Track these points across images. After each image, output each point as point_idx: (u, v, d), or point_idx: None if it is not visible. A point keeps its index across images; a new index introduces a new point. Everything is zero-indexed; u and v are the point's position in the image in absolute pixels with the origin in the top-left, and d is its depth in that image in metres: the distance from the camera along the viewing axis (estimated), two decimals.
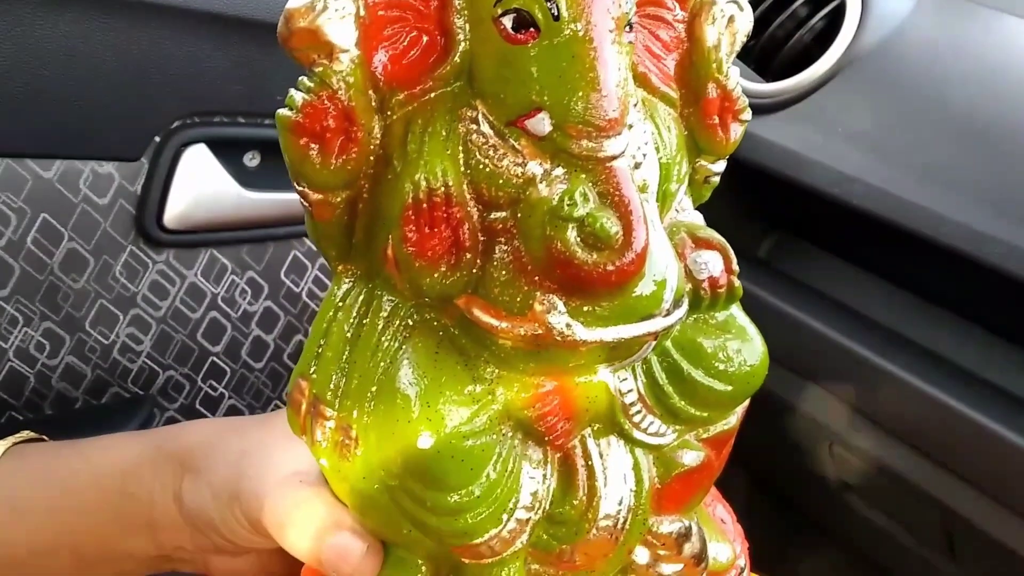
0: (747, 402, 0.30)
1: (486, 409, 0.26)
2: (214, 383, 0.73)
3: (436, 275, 0.25)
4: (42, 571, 0.40)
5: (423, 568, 0.29)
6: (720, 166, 0.31)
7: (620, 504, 0.28)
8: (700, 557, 0.31)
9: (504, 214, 0.25)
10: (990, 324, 0.64)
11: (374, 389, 0.26)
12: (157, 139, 0.62)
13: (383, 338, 0.26)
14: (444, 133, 0.25)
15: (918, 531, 0.70)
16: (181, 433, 0.40)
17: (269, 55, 0.62)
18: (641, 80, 0.28)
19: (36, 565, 0.40)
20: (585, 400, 0.27)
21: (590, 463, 0.28)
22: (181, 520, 0.38)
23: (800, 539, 0.91)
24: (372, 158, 0.25)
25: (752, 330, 0.30)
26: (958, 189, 0.59)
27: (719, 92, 0.29)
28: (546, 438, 0.27)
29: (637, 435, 0.28)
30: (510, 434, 0.27)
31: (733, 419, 0.31)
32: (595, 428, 0.28)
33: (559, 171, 0.24)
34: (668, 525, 0.30)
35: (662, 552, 0.30)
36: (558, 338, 0.24)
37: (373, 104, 0.25)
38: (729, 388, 0.29)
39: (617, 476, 0.28)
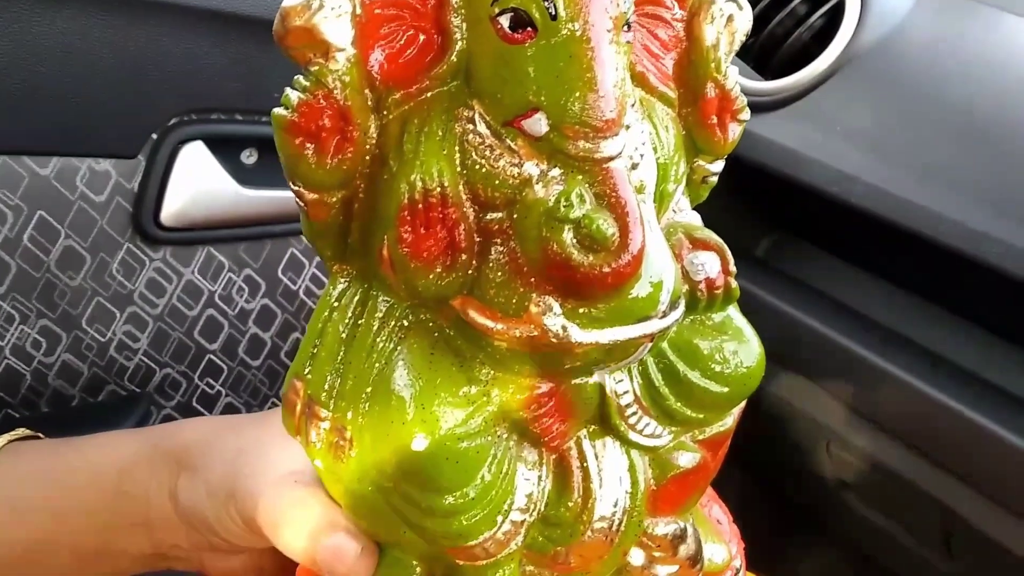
0: (743, 403, 0.30)
1: (481, 411, 0.26)
2: (211, 381, 0.73)
3: (432, 276, 0.25)
4: (38, 569, 0.40)
5: (418, 569, 0.29)
6: (718, 166, 0.31)
7: (615, 506, 0.28)
8: (695, 559, 0.31)
9: (500, 215, 0.25)
10: (988, 323, 0.64)
11: (369, 390, 0.26)
12: (154, 136, 0.61)
13: (378, 339, 0.26)
14: (440, 133, 0.25)
15: (916, 530, 0.70)
16: (178, 431, 0.40)
17: (267, 52, 0.61)
18: (639, 79, 0.28)
19: (32, 563, 0.40)
20: (581, 402, 0.27)
21: (585, 465, 0.28)
22: (176, 518, 0.38)
23: (797, 538, 0.91)
24: (368, 158, 0.25)
25: (749, 331, 0.29)
26: (957, 188, 0.59)
27: (717, 92, 0.29)
28: (541, 440, 0.27)
29: (633, 437, 0.28)
30: (505, 436, 0.26)
31: (729, 420, 0.30)
32: (591, 430, 0.28)
33: (556, 172, 0.24)
34: (663, 527, 0.30)
35: (657, 554, 0.30)
36: (554, 340, 0.24)
37: (369, 103, 0.25)
38: (725, 390, 0.28)
39: (612, 478, 0.28)
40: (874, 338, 0.66)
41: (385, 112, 0.25)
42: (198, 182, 0.64)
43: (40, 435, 0.44)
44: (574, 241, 0.23)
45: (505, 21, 0.23)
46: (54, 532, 0.39)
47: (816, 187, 0.66)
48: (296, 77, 0.24)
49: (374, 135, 0.25)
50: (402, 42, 0.25)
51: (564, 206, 0.23)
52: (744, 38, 0.29)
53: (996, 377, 0.61)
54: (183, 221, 0.64)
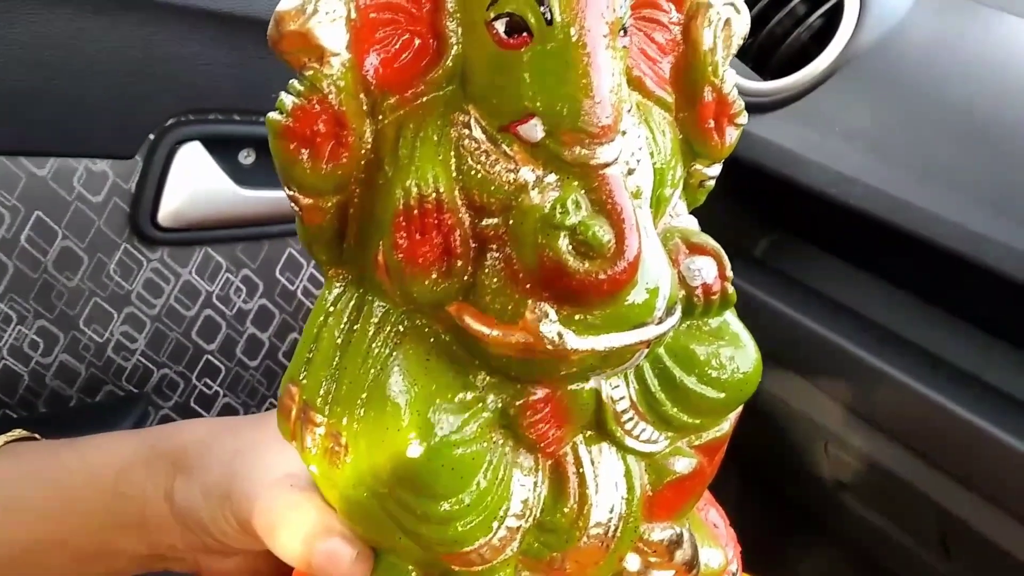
0: (740, 408, 0.30)
1: (476, 417, 0.26)
2: (209, 381, 0.73)
3: (427, 282, 0.25)
4: (35, 569, 0.40)
5: (413, 574, 0.29)
6: (715, 170, 0.31)
7: (611, 512, 0.28)
8: (691, 564, 0.31)
9: (496, 220, 0.25)
10: (987, 325, 0.64)
11: (364, 396, 0.26)
12: (151, 136, 0.61)
13: (374, 344, 0.26)
14: (436, 138, 0.25)
15: (913, 530, 0.70)
16: (174, 433, 0.40)
17: (265, 52, 0.61)
18: (636, 84, 0.28)
19: (29, 563, 0.40)
20: (576, 407, 0.27)
21: (581, 470, 0.28)
22: (172, 520, 0.38)
23: (795, 538, 0.91)
24: (363, 163, 0.25)
25: (746, 337, 0.29)
26: (956, 189, 0.59)
27: (715, 96, 0.29)
28: (537, 446, 0.27)
29: (629, 442, 0.28)
30: (501, 441, 0.26)
31: (726, 426, 0.30)
32: (587, 435, 0.28)
33: (552, 178, 0.24)
34: (659, 532, 0.30)
35: (653, 559, 0.30)
36: (549, 347, 0.24)
37: (364, 108, 0.25)
38: (722, 395, 0.28)
39: (608, 483, 0.28)
40: (872, 339, 0.66)
41: (380, 117, 0.25)
42: (195, 182, 0.63)
43: (37, 436, 0.44)
44: (570, 248, 0.23)
45: (501, 26, 0.23)
46: (51, 533, 0.39)
47: (815, 188, 0.65)
48: (291, 82, 0.24)
49: (369, 140, 0.25)
50: (397, 46, 0.25)
51: (560, 212, 0.23)
52: (741, 42, 0.29)
53: (994, 378, 0.61)
54: (180, 221, 0.64)
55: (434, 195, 0.24)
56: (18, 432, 0.44)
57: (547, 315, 0.24)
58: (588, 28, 0.23)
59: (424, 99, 0.25)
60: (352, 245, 0.26)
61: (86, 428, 0.44)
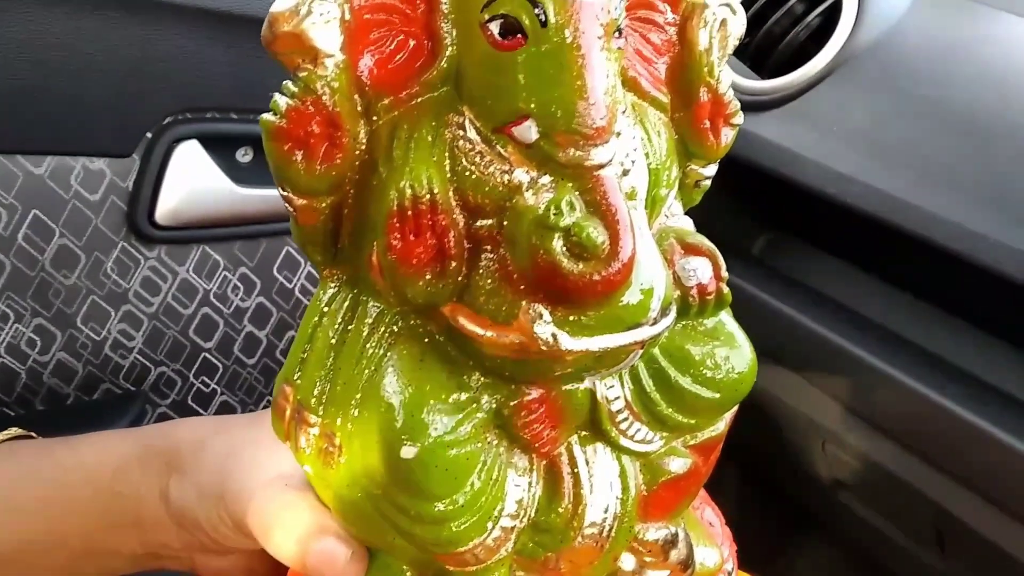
0: (736, 408, 0.30)
1: (471, 418, 0.26)
2: (206, 379, 0.73)
3: (421, 283, 0.25)
4: (31, 568, 0.40)
5: (408, 574, 0.29)
6: (711, 170, 0.31)
7: (606, 512, 0.28)
8: (687, 563, 0.31)
9: (490, 222, 0.25)
10: (984, 324, 0.64)
11: (358, 396, 0.26)
12: (149, 135, 0.61)
13: (368, 345, 0.26)
14: (430, 139, 0.25)
15: (910, 529, 0.70)
16: (170, 431, 0.40)
17: (262, 51, 0.61)
18: (631, 84, 0.28)
19: (25, 562, 0.40)
20: (571, 408, 0.27)
21: (576, 470, 0.28)
22: (168, 519, 0.38)
23: (793, 536, 0.92)
24: (357, 164, 0.25)
25: (741, 337, 0.29)
26: (955, 188, 0.59)
27: (710, 96, 0.29)
28: (532, 446, 0.27)
29: (624, 442, 0.28)
30: (495, 442, 0.26)
31: (721, 425, 0.30)
32: (582, 435, 0.28)
33: (546, 179, 0.24)
34: (654, 532, 0.30)
35: (648, 559, 0.30)
36: (543, 348, 0.24)
37: (359, 109, 0.25)
38: (717, 395, 0.28)
39: (603, 483, 0.28)
40: (870, 337, 0.66)
41: (375, 118, 0.25)
42: (193, 181, 0.63)
43: (33, 434, 0.44)
44: (564, 249, 0.23)
45: (495, 28, 0.23)
46: (46, 532, 0.39)
47: (813, 186, 0.65)
48: (285, 83, 0.24)
49: (363, 141, 0.25)
50: (392, 47, 0.25)
51: (554, 214, 0.23)
52: (737, 42, 0.29)
53: (992, 377, 0.61)
54: (178, 220, 0.64)
55: (428, 196, 0.24)
56: (14, 431, 0.44)
57: (541, 316, 0.24)
58: (583, 30, 0.23)
59: (419, 100, 0.25)
60: (346, 246, 0.27)
61: (83, 426, 0.44)
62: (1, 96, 0.54)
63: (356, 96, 0.24)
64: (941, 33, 0.66)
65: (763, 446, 0.80)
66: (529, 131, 0.24)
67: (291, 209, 0.26)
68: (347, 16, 0.24)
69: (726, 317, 0.29)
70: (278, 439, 0.29)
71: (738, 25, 0.29)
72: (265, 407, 0.65)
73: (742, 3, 0.29)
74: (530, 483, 0.27)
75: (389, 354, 0.26)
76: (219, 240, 0.68)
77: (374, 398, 0.25)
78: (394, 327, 0.26)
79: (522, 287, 0.24)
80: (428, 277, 0.25)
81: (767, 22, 0.73)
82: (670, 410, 0.28)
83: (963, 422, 0.58)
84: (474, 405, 0.26)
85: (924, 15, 0.68)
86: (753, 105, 0.71)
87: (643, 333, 0.25)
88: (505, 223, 0.24)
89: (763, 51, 0.73)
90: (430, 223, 0.24)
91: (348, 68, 0.24)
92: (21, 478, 0.40)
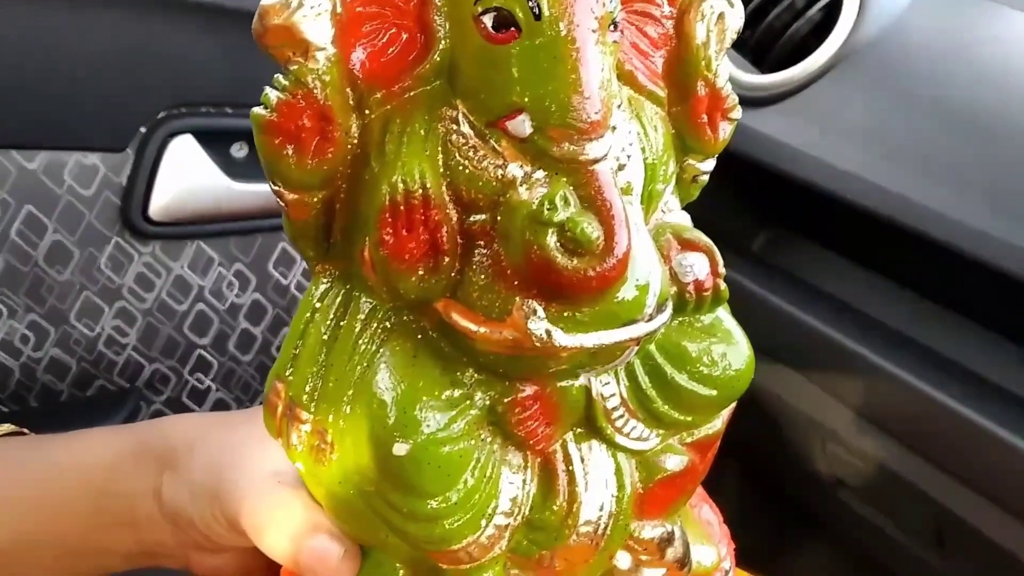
0: (733, 406, 0.30)
1: (464, 414, 0.25)
2: (201, 376, 0.73)
3: (413, 279, 0.24)
4: (23, 565, 0.40)
5: (401, 572, 0.29)
6: (709, 165, 0.30)
7: (601, 510, 0.28)
8: (683, 561, 0.31)
9: (484, 217, 0.24)
10: (984, 320, 0.64)
11: (350, 393, 0.26)
12: (143, 130, 0.61)
13: (360, 341, 0.26)
14: (423, 133, 0.24)
15: (910, 527, 0.70)
16: (163, 428, 0.40)
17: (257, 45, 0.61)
18: (627, 78, 0.28)
19: (17, 559, 0.40)
20: (566, 405, 0.27)
21: (571, 468, 0.27)
22: (161, 517, 0.37)
23: (792, 534, 0.91)
24: (349, 158, 0.25)
25: (738, 333, 0.29)
26: (956, 185, 0.58)
27: (708, 90, 0.28)
28: (526, 443, 0.27)
29: (619, 440, 0.28)
30: (489, 439, 0.26)
31: (718, 423, 0.30)
32: (577, 432, 0.28)
33: (540, 174, 0.24)
34: (650, 530, 0.30)
35: (644, 557, 0.30)
36: (537, 344, 0.24)
37: (351, 103, 0.24)
38: (713, 392, 0.28)
39: (598, 481, 0.28)
40: (871, 335, 0.66)
41: (367, 112, 0.25)
42: (187, 176, 0.63)
43: (25, 431, 0.44)
44: (558, 244, 0.23)
45: (488, 21, 0.23)
46: (39, 529, 0.39)
47: (813, 183, 0.65)
48: (276, 76, 0.24)
49: (356, 135, 0.25)
50: (384, 40, 0.24)
51: (548, 209, 0.23)
52: (735, 36, 0.29)
53: (992, 375, 0.61)
54: (172, 215, 0.64)
55: (420, 191, 0.24)
56: (6, 427, 0.43)
57: (535, 312, 0.24)
58: (577, 23, 0.23)
59: (411, 94, 0.25)
60: (339, 241, 0.26)
61: (78, 422, 0.44)
62: None
63: (348, 89, 0.24)
64: (942, 28, 0.66)
65: (763, 444, 0.80)
66: (523, 125, 0.23)
67: (282, 204, 0.26)
68: (339, 9, 0.23)
69: (723, 313, 0.29)
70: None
71: (736, 19, 0.29)
72: (260, 404, 0.65)
73: None
74: (524, 480, 0.27)
75: (382, 350, 0.26)
76: (214, 236, 0.68)
77: (366, 394, 0.25)
78: (387, 323, 0.26)
79: (516, 283, 0.24)
80: (420, 273, 0.24)
81: (768, 16, 0.73)
82: (666, 407, 0.28)
83: (964, 420, 0.58)
84: (467, 402, 0.26)
85: (925, 10, 0.68)
86: (753, 100, 0.70)
87: (638, 329, 0.25)
88: (499, 218, 0.24)
89: (764, 46, 0.73)
90: (423, 218, 0.24)
91: (340, 61, 0.24)
92: (12, 475, 0.40)
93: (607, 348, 0.25)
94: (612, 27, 0.24)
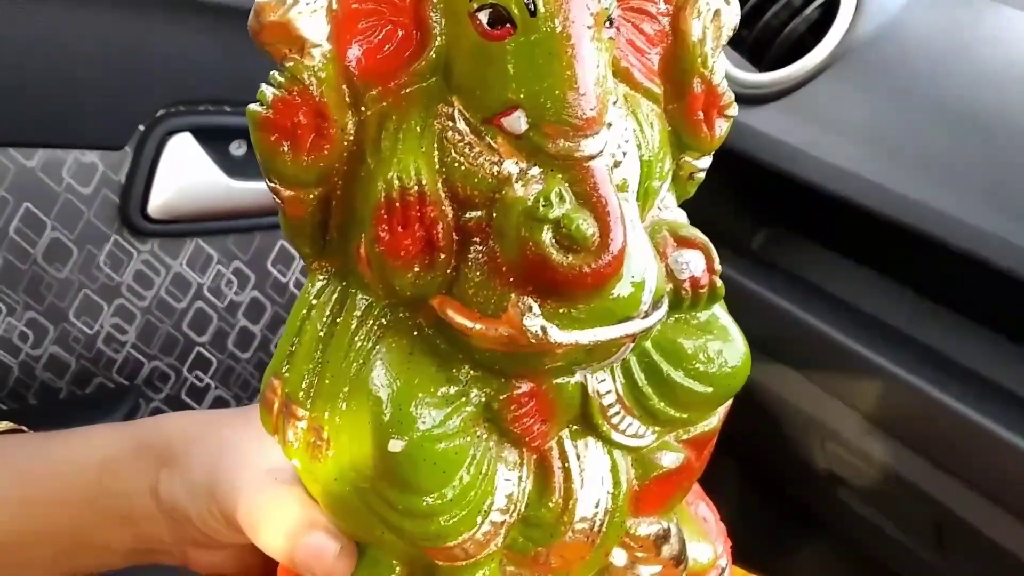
0: (729, 403, 0.30)
1: (459, 411, 0.25)
2: (200, 373, 0.73)
3: (409, 275, 0.24)
4: (20, 562, 0.40)
5: (397, 569, 0.29)
6: (705, 162, 0.30)
7: (597, 507, 0.28)
8: (679, 559, 0.31)
9: (479, 213, 0.24)
10: (982, 318, 0.64)
11: (346, 389, 0.26)
12: (141, 127, 0.61)
13: (356, 337, 0.26)
14: (419, 130, 0.24)
15: (908, 525, 0.70)
16: (161, 425, 0.40)
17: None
18: (623, 75, 0.28)
19: (15, 556, 0.40)
20: (562, 401, 0.27)
21: (567, 465, 0.27)
22: (159, 514, 0.37)
23: (791, 532, 0.92)
24: (346, 155, 0.25)
25: (734, 330, 0.29)
26: (954, 183, 0.58)
27: (704, 87, 0.28)
28: (522, 440, 0.27)
29: (615, 436, 0.28)
30: (485, 436, 0.26)
31: (714, 420, 0.30)
32: (573, 429, 0.28)
33: (535, 171, 0.24)
34: (646, 527, 0.30)
35: (640, 554, 0.30)
36: (532, 340, 0.24)
37: (347, 99, 0.24)
38: (710, 389, 0.28)
39: (594, 478, 0.28)
40: (870, 334, 0.66)
41: (363, 108, 0.25)
42: (186, 174, 0.63)
43: (24, 428, 0.44)
44: (553, 241, 0.23)
45: (484, 17, 0.23)
46: (36, 525, 0.39)
47: (811, 181, 0.65)
48: (271, 73, 0.24)
49: (352, 132, 0.25)
50: (380, 37, 0.24)
51: (543, 206, 0.23)
52: (731, 33, 0.29)
53: (991, 373, 0.61)
54: (171, 213, 0.64)
55: (416, 187, 0.24)
56: (5, 424, 0.43)
57: (530, 309, 0.24)
58: (572, 19, 0.23)
59: (407, 91, 0.25)
60: (335, 238, 0.26)
61: (77, 420, 0.44)
62: None
63: (344, 86, 0.24)
64: (940, 26, 0.66)
65: (762, 443, 0.80)
66: (518, 122, 0.23)
67: (279, 201, 0.26)
68: (334, 6, 0.23)
69: (719, 311, 0.29)
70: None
71: (732, 15, 0.29)
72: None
73: None
74: (520, 477, 0.27)
75: (378, 347, 0.26)
76: (213, 234, 0.68)
77: (362, 391, 0.25)
78: (383, 320, 0.26)
79: (511, 279, 0.24)
80: (416, 269, 0.24)
81: (766, 14, 0.73)
82: (662, 404, 0.28)
83: (963, 418, 0.58)
84: (463, 399, 0.26)
85: (923, 8, 0.68)
86: (751, 98, 0.70)
87: (634, 326, 0.25)
88: (494, 215, 0.24)
89: (761, 44, 0.73)
90: (418, 215, 0.24)
91: (335, 58, 0.24)
92: (9, 472, 0.40)
93: (603, 345, 0.25)
94: (608, 23, 0.24)
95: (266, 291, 0.74)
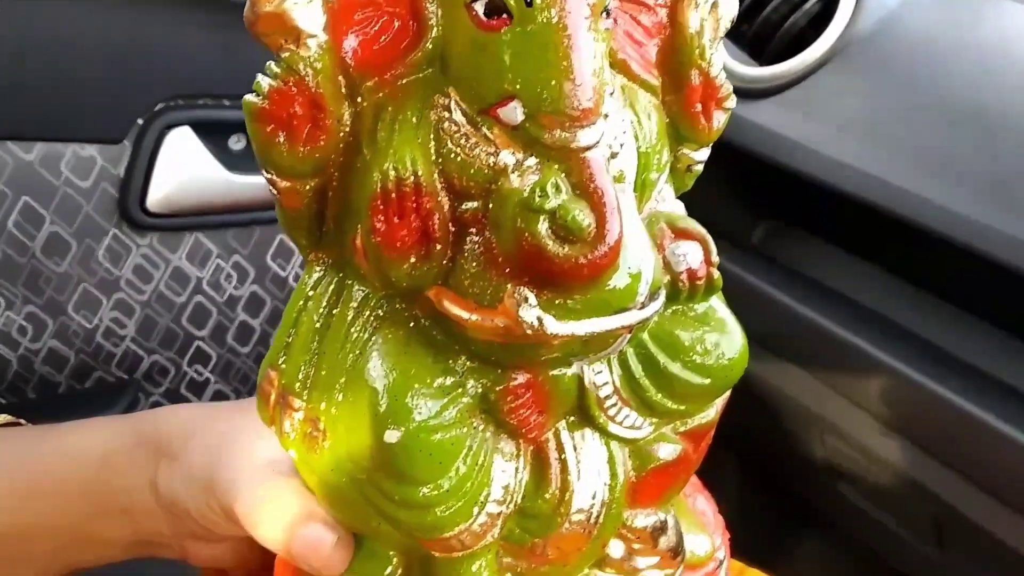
0: (727, 395, 0.30)
1: (456, 402, 0.25)
2: (200, 368, 0.73)
3: (405, 266, 0.24)
4: (20, 555, 0.40)
5: (394, 560, 0.29)
6: (703, 154, 0.30)
7: (593, 498, 0.28)
8: (676, 550, 0.31)
9: (476, 204, 0.24)
10: (983, 312, 0.64)
11: (343, 380, 0.26)
12: (140, 121, 0.61)
13: (353, 328, 0.26)
14: (415, 120, 0.24)
15: (908, 519, 0.70)
16: (159, 419, 0.40)
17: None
18: (621, 67, 0.27)
19: (14, 549, 0.40)
20: (558, 393, 0.27)
21: (563, 456, 0.27)
22: (158, 507, 0.37)
23: (791, 526, 0.92)
24: (342, 146, 0.25)
25: (732, 322, 0.29)
26: (953, 176, 0.58)
27: (702, 79, 0.28)
28: (519, 431, 0.27)
29: (612, 428, 0.28)
30: (481, 427, 0.26)
31: (712, 412, 0.30)
32: (570, 421, 0.28)
33: (532, 161, 0.24)
34: (643, 519, 0.30)
35: (637, 546, 0.30)
36: (528, 331, 0.24)
37: (343, 90, 0.24)
38: (707, 381, 0.28)
39: (591, 470, 0.28)
40: (869, 327, 0.66)
41: (359, 99, 0.25)
42: (185, 168, 0.63)
43: (23, 421, 0.44)
44: (549, 232, 0.23)
45: (480, 8, 0.23)
46: (35, 519, 0.39)
47: (811, 175, 0.65)
48: (267, 64, 0.24)
49: (348, 122, 0.25)
50: (376, 28, 0.24)
51: (539, 196, 0.23)
52: (729, 25, 0.29)
53: (991, 367, 0.61)
54: (170, 207, 0.64)
55: (412, 178, 0.24)
56: (4, 418, 0.43)
57: (527, 300, 0.24)
58: (569, 10, 0.23)
59: (403, 81, 0.25)
60: (331, 229, 0.26)
61: (76, 414, 0.44)
62: None
63: (340, 77, 0.24)
64: (940, 20, 0.66)
65: (761, 437, 0.80)
66: (515, 112, 0.23)
67: (275, 192, 0.26)
68: None
69: (717, 303, 0.29)
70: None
71: (730, 7, 0.29)
72: None
73: None
74: (517, 469, 0.27)
75: (374, 338, 0.26)
76: (212, 228, 0.68)
77: (358, 382, 0.25)
78: (379, 311, 0.26)
79: (507, 270, 0.24)
80: (412, 260, 0.24)
81: (766, 8, 0.72)
82: (659, 396, 0.28)
83: (963, 413, 0.58)
84: (460, 390, 0.26)
85: (923, 2, 0.67)
86: (751, 92, 0.70)
87: (631, 317, 0.25)
88: (490, 206, 0.24)
89: (761, 37, 0.73)
90: (414, 205, 0.24)
91: (332, 49, 0.24)
92: (8, 466, 0.40)
93: (599, 336, 0.25)
94: (605, 14, 0.24)
95: (265, 285, 0.74)
